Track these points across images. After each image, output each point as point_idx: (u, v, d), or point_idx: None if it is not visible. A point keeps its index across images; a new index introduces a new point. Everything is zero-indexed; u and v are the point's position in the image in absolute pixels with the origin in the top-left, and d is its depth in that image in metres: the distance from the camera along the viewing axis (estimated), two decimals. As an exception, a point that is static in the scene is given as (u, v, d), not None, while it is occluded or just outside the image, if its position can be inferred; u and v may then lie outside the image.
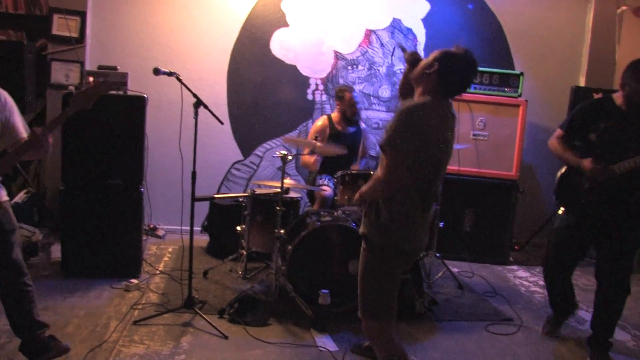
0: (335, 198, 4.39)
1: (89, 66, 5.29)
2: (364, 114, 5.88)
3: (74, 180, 4.17)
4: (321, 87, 5.89)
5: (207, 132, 5.31)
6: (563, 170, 3.54)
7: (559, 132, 3.50)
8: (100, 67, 4.37)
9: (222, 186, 5.87)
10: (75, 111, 2.71)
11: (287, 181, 4.06)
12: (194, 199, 3.63)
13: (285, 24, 5.74)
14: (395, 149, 2.30)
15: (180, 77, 3.56)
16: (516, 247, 6.00)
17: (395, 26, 5.92)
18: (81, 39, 5.34)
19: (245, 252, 4.43)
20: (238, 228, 4.54)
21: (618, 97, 3.27)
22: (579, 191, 3.37)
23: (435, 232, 4.66)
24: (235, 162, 5.88)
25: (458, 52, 2.43)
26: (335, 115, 5.10)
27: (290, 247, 3.80)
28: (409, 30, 5.94)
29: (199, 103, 3.54)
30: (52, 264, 4.32)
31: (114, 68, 4.36)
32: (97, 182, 4.17)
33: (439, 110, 2.40)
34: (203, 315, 3.54)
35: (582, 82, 6.09)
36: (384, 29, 5.91)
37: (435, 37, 5.94)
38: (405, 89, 2.71)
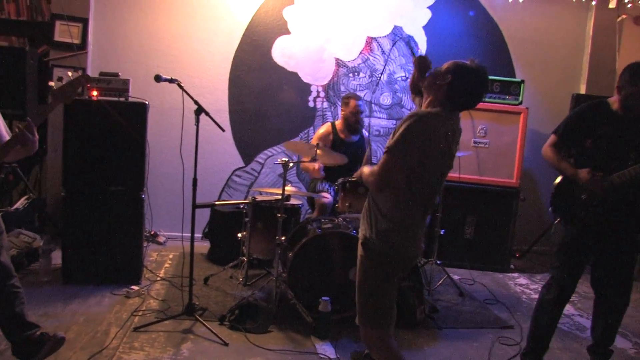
0: (336, 205, 4.39)
1: (91, 72, 5.30)
2: (365, 121, 5.89)
3: (75, 186, 4.17)
4: (322, 94, 5.90)
5: (208, 138, 5.33)
6: (559, 180, 3.37)
7: (552, 138, 3.32)
8: (102, 74, 4.38)
9: (223, 193, 5.87)
10: (57, 105, 2.76)
11: (288, 188, 4.06)
12: (194, 206, 3.63)
13: (287, 31, 5.76)
14: (395, 156, 2.31)
15: (182, 84, 3.58)
16: (517, 254, 6.00)
17: (397, 33, 5.93)
18: (83, 45, 5.35)
19: (246, 259, 4.42)
20: (239, 235, 4.54)
21: (614, 102, 3.14)
22: (577, 203, 3.18)
23: (436, 239, 4.66)
24: (237, 169, 5.88)
25: (472, 67, 2.39)
26: (339, 123, 5.11)
27: (291, 254, 3.80)
28: (410, 37, 5.95)
29: (200, 110, 3.55)
30: (52, 270, 4.31)
31: (116, 74, 4.37)
32: (98, 188, 4.18)
33: (447, 122, 2.40)
34: (203, 322, 3.54)
35: (582, 90, 6.10)
36: (385, 36, 5.93)
37: (436, 45, 5.96)
38: (417, 87, 2.70)
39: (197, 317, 3.60)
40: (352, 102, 4.96)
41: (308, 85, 5.88)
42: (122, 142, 4.19)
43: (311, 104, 5.91)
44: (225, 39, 5.69)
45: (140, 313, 3.75)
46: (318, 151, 4.03)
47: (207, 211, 5.36)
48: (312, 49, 5.82)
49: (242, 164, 5.88)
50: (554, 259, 3.30)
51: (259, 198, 4.52)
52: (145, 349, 3.26)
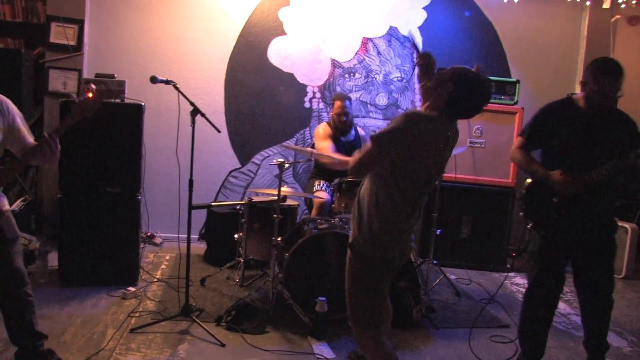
0: (333, 206, 4.39)
1: (87, 74, 5.31)
2: (361, 121, 5.91)
3: (72, 188, 4.17)
4: (318, 95, 5.91)
5: (204, 140, 5.33)
6: (528, 182, 3.30)
7: (519, 140, 3.25)
8: (97, 75, 4.38)
9: (219, 194, 5.87)
10: (78, 119, 2.67)
11: (284, 189, 4.07)
12: (191, 207, 3.63)
13: (283, 32, 5.77)
14: (378, 146, 2.30)
15: (178, 85, 3.58)
16: (513, 254, 6.00)
17: (392, 34, 5.95)
18: (79, 47, 5.35)
19: (242, 260, 4.42)
20: (235, 236, 4.54)
21: (579, 99, 3.07)
22: (549, 206, 3.09)
23: (432, 239, 4.67)
24: (233, 170, 5.89)
25: (475, 78, 2.33)
26: (331, 122, 5.09)
27: (287, 254, 3.80)
28: (406, 38, 5.97)
29: (196, 111, 3.55)
30: (49, 272, 4.30)
31: (112, 76, 4.38)
32: (94, 190, 4.17)
33: (441, 127, 2.37)
34: (200, 323, 3.54)
35: (577, 90, 6.11)
36: (381, 37, 5.94)
37: (432, 45, 5.96)
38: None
39: (194, 318, 3.60)
40: (337, 103, 4.86)
41: (304, 86, 5.88)
42: (119, 143, 4.20)
43: (307, 105, 5.91)
44: (221, 40, 5.69)
45: (137, 314, 3.75)
46: (313, 151, 4.01)
47: (204, 212, 5.36)
48: (308, 49, 5.83)
49: (238, 165, 5.89)
50: (532, 265, 3.23)
51: (255, 199, 4.52)
52: (142, 350, 3.26)
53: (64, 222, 4.20)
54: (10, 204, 4.83)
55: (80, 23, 5.34)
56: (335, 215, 4.18)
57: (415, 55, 2.63)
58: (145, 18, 5.56)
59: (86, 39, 5.43)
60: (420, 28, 5.97)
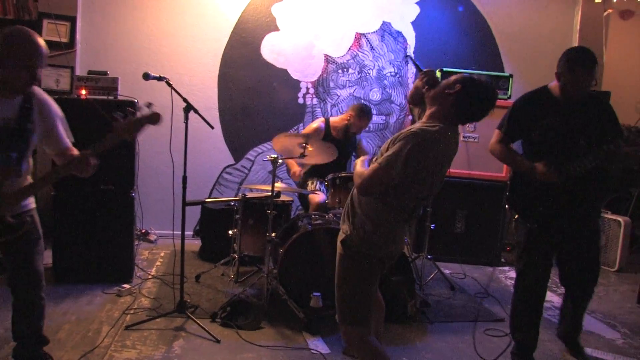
0: (327, 201, 4.40)
1: (79, 71, 5.28)
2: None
3: (65, 185, 4.14)
4: (312, 90, 5.91)
5: (198, 136, 5.31)
6: (511, 174, 3.30)
7: (497, 134, 3.24)
8: (90, 72, 4.36)
9: (213, 190, 5.87)
10: (119, 140, 2.62)
11: (278, 185, 4.07)
12: (185, 204, 3.63)
13: (276, 28, 5.76)
14: (386, 172, 2.27)
15: (171, 82, 3.57)
16: (507, 248, 6.03)
17: (385, 29, 5.95)
18: (71, 44, 5.33)
19: (237, 256, 4.43)
20: (230, 232, 4.54)
21: (555, 88, 3.09)
22: (533, 198, 3.10)
23: (426, 234, 4.68)
24: (227, 166, 5.88)
25: (481, 81, 2.40)
26: (336, 121, 5.02)
27: (281, 250, 3.81)
28: (399, 33, 5.97)
29: (189, 107, 3.55)
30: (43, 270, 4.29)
31: (105, 73, 4.36)
32: (88, 187, 4.15)
33: (445, 140, 2.35)
34: (195, 320, 3.54)
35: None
36: (374, 32, 5.94)
37: (425, 40, 5.98)
38: (416, 98, 2.65)
39: (189, 314, 3.60)
40: (366, 122, 4.98)
41: (297, 82, 5.88)
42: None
43: (301, 101, 5.91)
44: (214, 36, 5.68)
45: (131, 311, 3.75)
46: (309, 147, 4.01)
47: (198, 209, 5.35)
48: (301, 45, 5.82)
49: (232, 161, 5.88)
50: (518, 255, 3.23)
51: (250, 195, 4.52)
52: (137, 347, 3.26)
53: (58, 219, 4.19)
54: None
55: (72, 20, 5.32)
56: (329, 210, 4.19)
57: (417, 73, 2.62)
58: (138, 14, 5.54)
59: (78, 36, 5.41)
60: (413, 23, 5.98)
